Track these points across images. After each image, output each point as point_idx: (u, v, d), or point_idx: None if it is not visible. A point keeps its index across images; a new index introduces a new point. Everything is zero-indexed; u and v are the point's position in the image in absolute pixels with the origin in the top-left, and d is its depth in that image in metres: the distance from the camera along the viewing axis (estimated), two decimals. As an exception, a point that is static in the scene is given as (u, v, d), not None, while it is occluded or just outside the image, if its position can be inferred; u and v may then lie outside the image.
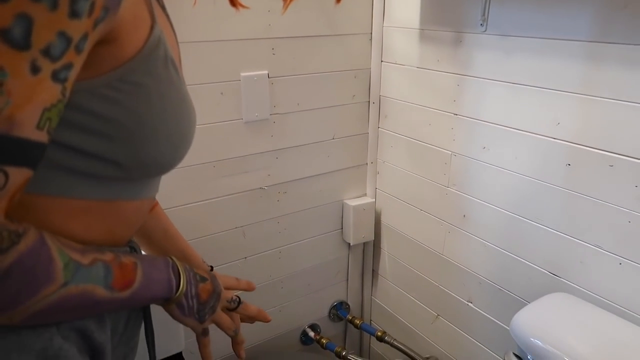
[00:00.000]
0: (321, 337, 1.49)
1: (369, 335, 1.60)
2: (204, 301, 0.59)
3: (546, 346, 0.87)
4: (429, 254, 1.34)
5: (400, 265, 1.45)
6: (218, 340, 1.33)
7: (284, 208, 1.34)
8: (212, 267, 0.83)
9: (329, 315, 1.55)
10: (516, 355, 0.95)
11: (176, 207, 1.15)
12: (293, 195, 1.34)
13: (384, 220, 1.48)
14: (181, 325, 0.93)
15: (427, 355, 1.41)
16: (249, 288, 0.76)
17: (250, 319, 0.73)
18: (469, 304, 1.26)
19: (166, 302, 0.55)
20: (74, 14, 0.35)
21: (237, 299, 0.68)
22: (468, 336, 1.28)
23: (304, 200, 1.37)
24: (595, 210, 0.93)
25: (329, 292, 1.53)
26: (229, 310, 0.66)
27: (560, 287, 1.02)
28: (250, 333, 1.40)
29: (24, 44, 0.34)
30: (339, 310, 1.56)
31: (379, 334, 1.44)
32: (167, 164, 0.49)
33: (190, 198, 1.17)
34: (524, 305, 0.98)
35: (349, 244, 1.48)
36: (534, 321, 0.93)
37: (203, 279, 0.59)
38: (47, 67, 0.35)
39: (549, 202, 1.01)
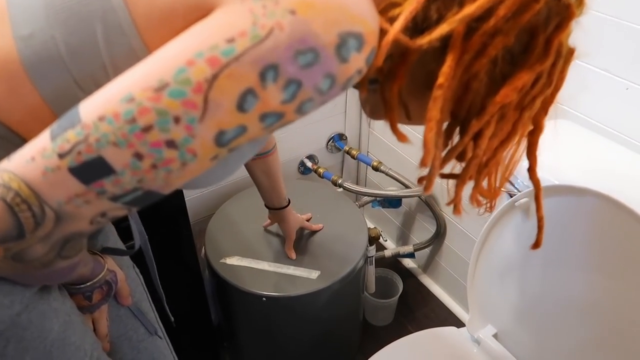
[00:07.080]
0: (318, 167, 1.52)
1: (365, 165, 1.64)
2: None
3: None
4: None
5: (399, 96, 1.42)
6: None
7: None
8: (289, 200, 1.05)
9: (327, 147, 1.57)
10: (506, 180, 0.96)
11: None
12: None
13: (384, 49, 1.40)
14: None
15: (421, 184, 1.45)
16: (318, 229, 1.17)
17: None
18: (466, 133, 1.25)
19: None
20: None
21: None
22: (462, 165, 1.30)
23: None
24: (610, 30, 0.85)
25: (327, 124, 1.53)
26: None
27: (560, 114, 0.99)
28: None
29: None
30: (336, 142, 1.57)
31: (375, 164, 1.47)
32: None
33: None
34: (520, 132, 0.97)
35: (347, 74, 1.42)
36: (528, 147, 0.92)
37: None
38: None
39: (560, 23, 0.93)
